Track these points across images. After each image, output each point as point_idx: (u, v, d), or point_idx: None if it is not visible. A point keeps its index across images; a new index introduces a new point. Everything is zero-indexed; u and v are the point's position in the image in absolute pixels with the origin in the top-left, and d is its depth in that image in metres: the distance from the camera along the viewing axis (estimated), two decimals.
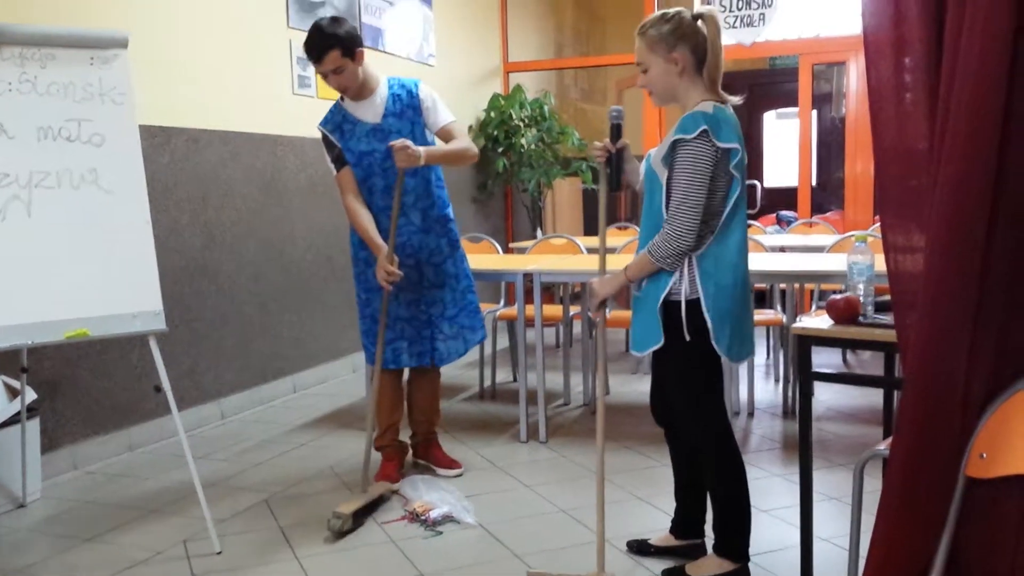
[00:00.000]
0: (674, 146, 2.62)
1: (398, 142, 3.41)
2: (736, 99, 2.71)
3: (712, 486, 2.81)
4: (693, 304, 2.64)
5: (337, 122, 3.61)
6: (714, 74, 2.67)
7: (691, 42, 2.64)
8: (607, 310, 2.95)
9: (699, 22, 2.65)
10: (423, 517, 3.37)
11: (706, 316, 2.64)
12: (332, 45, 3.39)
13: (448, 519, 3.36)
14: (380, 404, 3.85)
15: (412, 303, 3.70)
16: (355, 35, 3.48)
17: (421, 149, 3.43)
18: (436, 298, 3.72)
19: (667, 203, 2.66)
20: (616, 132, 2.90)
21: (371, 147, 3.55)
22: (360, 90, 3.57)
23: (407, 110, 3.59)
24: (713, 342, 2.65)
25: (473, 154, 3.70)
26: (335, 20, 3.46)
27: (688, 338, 2.66)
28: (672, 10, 2.69)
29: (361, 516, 3.38)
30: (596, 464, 2.87)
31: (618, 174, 2.92)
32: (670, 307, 2.68)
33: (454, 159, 3.68)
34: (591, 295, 2.89)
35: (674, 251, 2.62)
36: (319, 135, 3.67)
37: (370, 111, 3.59)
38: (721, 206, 2.64)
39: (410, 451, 4.04)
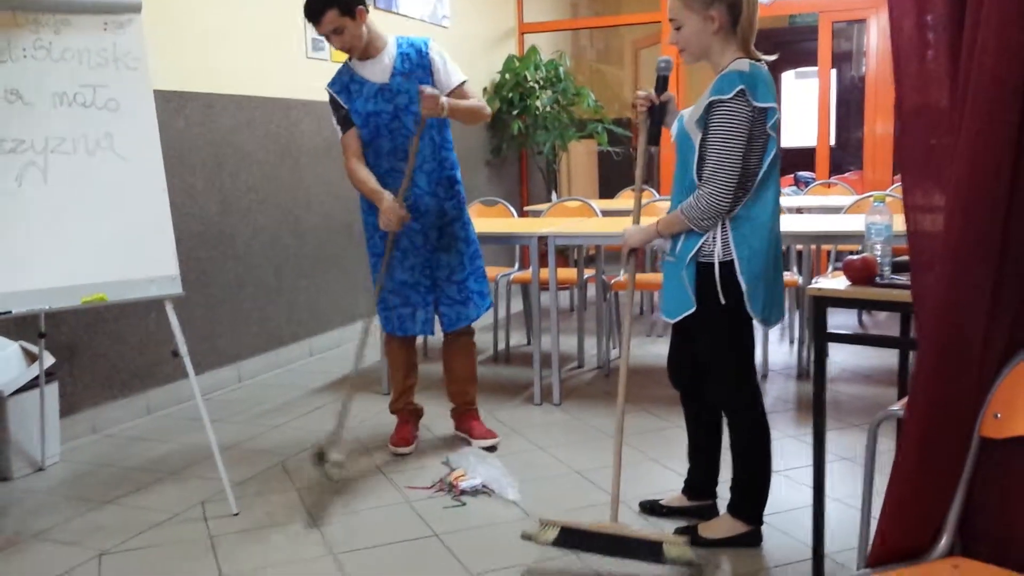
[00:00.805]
0: (709, 107, 2.57)
1: (428, 88, 3.36)
2: (770, 57, 2.67)
3: (737, 449, 2.80)
4: (726, 267, 2.62)
5: (344, 82, 3.56)
6: (748, 33, 2.62)
7: (728, 1, 2.59)
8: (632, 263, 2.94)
9: None
10: (453, 486, 3.35)
11: (740, 279, 2.61)
12: (329, 5, 3.32)
13: (481, 491, 3.32)
14: (393, 368, 3.87)
15: (416, 267, 3.64)
16: None
17: (445, 100, 3.38)
18: (442, 262, 3.67)
19: (699, 165, 2.62)
20: (662, 84, 2.85)
21: (378, 107, 3.50)
22: (366, 50, 3.51)
23: (416, 69, 3.53)
24: (747, 305, 2.63)
25: (487, 113, 3.67)
26: None
27: (722, 302, 2.63)
28: None
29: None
30: (616, 417, 2.86)
31: (658, 128, 2.88)
32: (703, 270, 2.65)
33: (472, 116, 3.61)
34: (623, 242, 2.87)
35: (709, 213, 2.58)
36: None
37: (377, 70, 3.53)
38: (757, 167, 2.60)
39: (453, 423, 4.00)
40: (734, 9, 2.59)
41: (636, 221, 2.92)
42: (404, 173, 3.48)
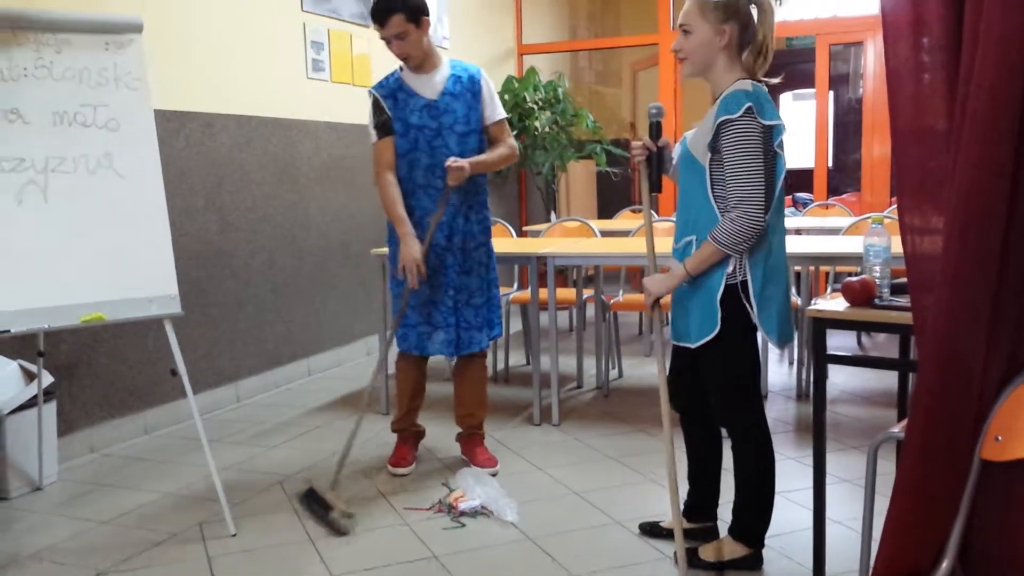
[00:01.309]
0: (719, 127, 2.55)
1: (453, 160, 3.39)
2: (774, 80, 2.67)
3: (740, 470, 2.78)
4: (740, 288, 2.60)
5: (393, 89, 3.55)
6: (759, 60, 2.62)
7: (742, 22, 2.60)
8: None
9: (752, 7, 2.61)
10: (452, 507, 3.33)
11: (752, 301, 2.59)
12: (396, 9, 3.36)
13: (480, 512, 3.31)
14: (401, 387, 3.84)
15: (440, 287, 3.61)
16: (421, 2, 3.43)
17: (466, 162, 3.41)
18: (463, 284, 3.63)
19: (712, 187, 2.59)
20: (656, 130, 2.82)
21: (423, 122, 3.49)
22: (423, 62, 3.52)
23: (466, 93, 3.54)
24: (760, 326, 2.62)
25: (515, 156, 3.64)
26: None
27: (735, 323, 2.61)
28: None
29: (313, 504, 3.34)
30: (667, 474, 2.83)
31: (659, 173, 2.84)
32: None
33: (497, 165, 3.62)
34: (645, 294, 2.79)
35: (746, 234, 2.53)
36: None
37: (428, 86, 3.53)
38: (770, 185, 2.58)
39: (460, 446, 3.96)
40: (746, 33, 2.61)
41: (651, 265, 2.85)
42: (438, 190, 3.50)
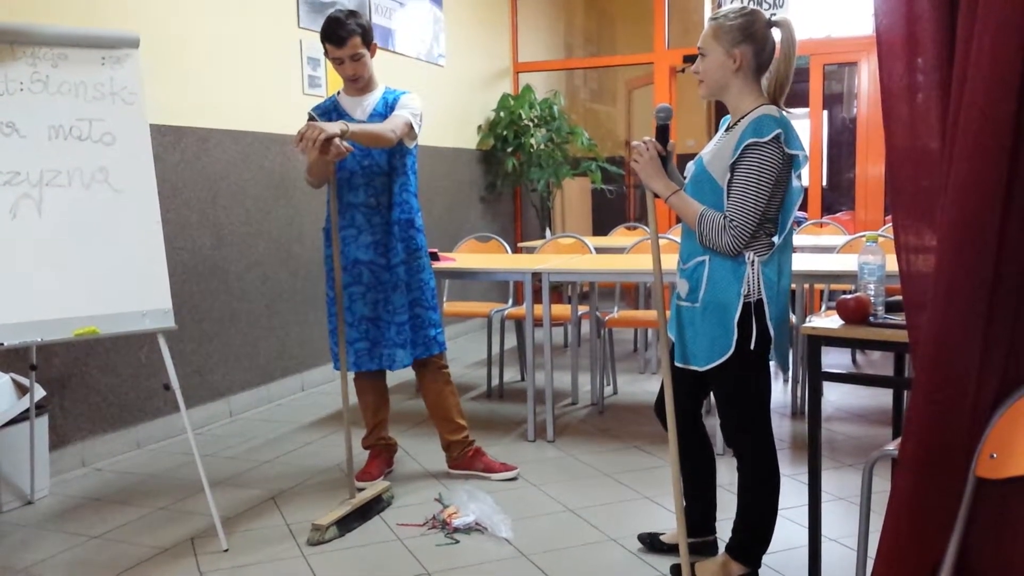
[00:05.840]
0: (746, 149, 2.53)
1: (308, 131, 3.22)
2: (798, 111, 2.66)
3: (744, 491, 2.76)
4: (755, 308, 2.58)
5: (328, 109, 3.68)
6: (781, 84, 2.61)
7: (757, 44, 2.58)
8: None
9: (773, 29, 2.60)
10: (446, 523, 3.32)
11: (768, 324, 2.58)
12: (355, 32, 3.49)
13: (474, 528, 3.30)
14: (362, 405, 3.92)
15: (375, 303, 3.69)
16: (371, 29, 3.60)
17: (336, 125, 3.25)
18: (390, 300, 3.69)
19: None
20: (663, 133, 2.72)
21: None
22: (366, 85, 3.66)
23: (388, 112, 3.64)
24: (772, 349, 2.61)
25: (387, 139, 3.50)
26: (353, 12, 3.55)
27: (749, 344, 2.58)
28: (751, 6, 2.64)
29: (350, 522, 3.35)
30: (673, 493, 2.84)
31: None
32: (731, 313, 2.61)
33: (369, 139, 3.47)
34: (637, 161, 2.71)
35: (713, 239, 2.55)
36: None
37: (360, 108, 3.66)
38: (776, 212, 2.59)
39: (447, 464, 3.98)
40: (760, 56, 2.60)
41: (658, 278, 2.77)
42: (373, 208, 3.63)
